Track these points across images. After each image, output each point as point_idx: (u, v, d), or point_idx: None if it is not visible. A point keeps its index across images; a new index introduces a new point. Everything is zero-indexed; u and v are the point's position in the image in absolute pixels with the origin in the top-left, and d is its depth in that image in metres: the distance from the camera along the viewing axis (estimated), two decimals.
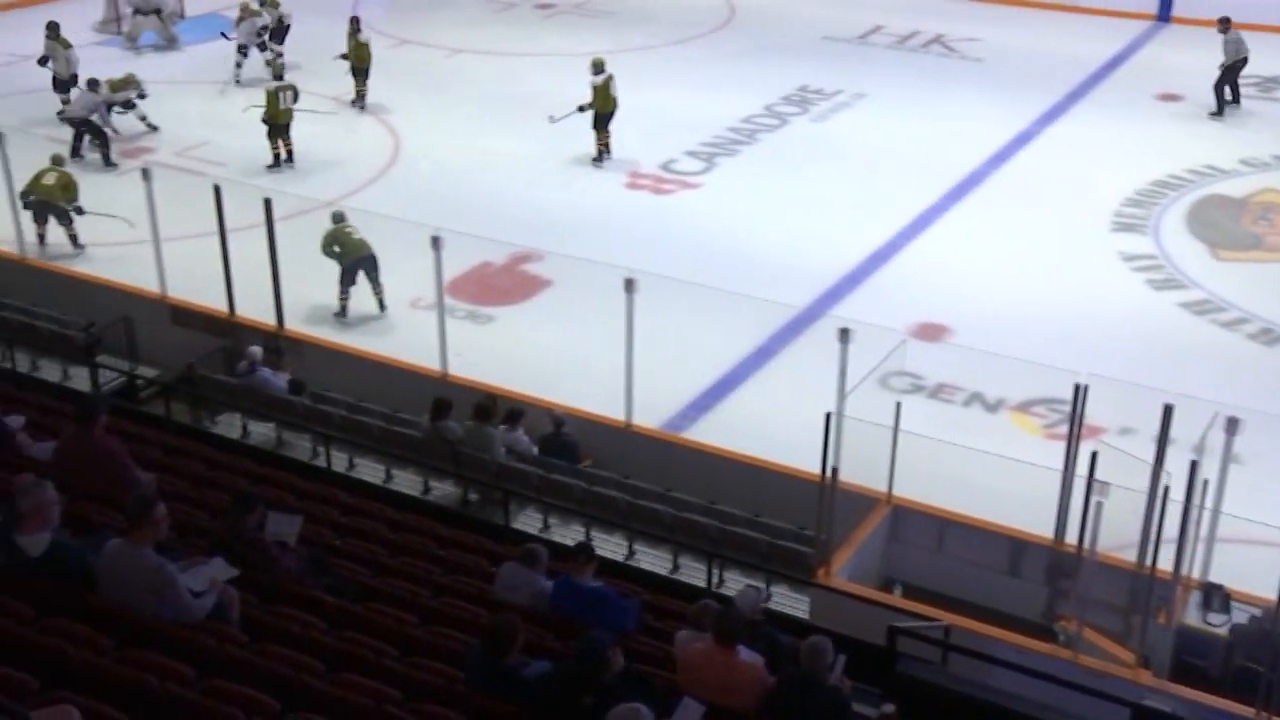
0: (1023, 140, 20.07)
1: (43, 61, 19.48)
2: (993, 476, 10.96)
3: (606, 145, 18.84)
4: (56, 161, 15.74)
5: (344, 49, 20.79)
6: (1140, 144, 19.88)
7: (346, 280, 14.29)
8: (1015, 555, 10.52)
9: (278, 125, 18.25)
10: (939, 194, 17.95)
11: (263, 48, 21.51)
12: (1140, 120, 20.92)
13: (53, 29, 19.47)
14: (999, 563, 10.56)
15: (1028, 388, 13.12)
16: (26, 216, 15.09)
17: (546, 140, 19.49)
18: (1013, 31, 25.54)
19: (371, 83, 20.94)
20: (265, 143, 18.47)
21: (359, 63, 20.66)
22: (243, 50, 21.61)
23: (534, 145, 19.43)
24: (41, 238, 15.53)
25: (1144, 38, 25.45)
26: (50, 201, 15.33)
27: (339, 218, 14.39)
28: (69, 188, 15.48)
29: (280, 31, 22.03)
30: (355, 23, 20.88)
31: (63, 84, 19.40)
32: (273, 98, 18.05)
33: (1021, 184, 18.55)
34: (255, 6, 21.99)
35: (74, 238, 15.63)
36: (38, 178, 15.30)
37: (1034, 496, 10.45)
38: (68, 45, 19.44)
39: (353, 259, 14.24)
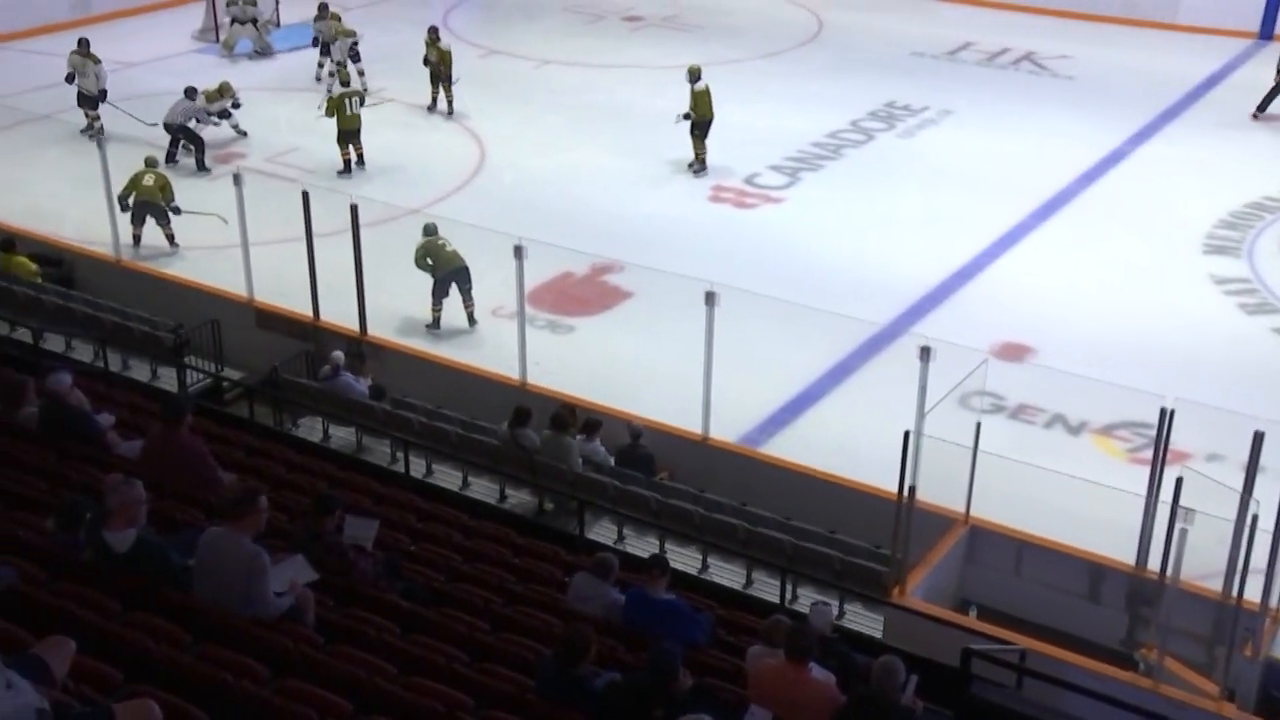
0: (1114, 159, 19.77)
1: (70, 79, 19.32)
2: (1074, 500, 10.80)
3: (703, 157, 18.86)
4: (151, 164, 16.16)
5: (426, 56, 20.98)
6: (1236, 165, 19.49)
7: (439, 293, 14.39)
8: (1095, 581, 10.35)
9: (346, 131, 18.55)
10: (1026, 212, 17.73)
11: (356, 59, 21.75)
12: (1236, 141, 20.52)
13: (83, 45, 19.44)
14: (1078, 588, 10.40)
15: (1112, 411, 12.90)
16: (122, 218, 15.42)
17: (630, 152, 19.60)
18: (1106, 49, 25.18)
19: (459, 91, 21.15)
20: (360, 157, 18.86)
21: (441, 69, 20.85)
22: (340, 66, 21.85)
23: (618, 157, 19.52)
24: (137, 238, 15.92)
25: (1243, 56, 24.94)
26: (150, 202, 15.77)
27: (431, 230, 14.50)
28: (166, 188, 15.93)
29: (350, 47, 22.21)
30: (434, 31, 21.13)
31: (90, 99, 19.23)
32: (339, 104, 18.37)
33: (1111, 204, 18.27)
34: (348, 27, 22.19)
35: (170, 237, 16.02)
36: (136, 180, 15.71)
37: (1116, 521, 10.28)
38: (97, 61, 19.36)
39: (445, 271, 14.33)
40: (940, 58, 24.71)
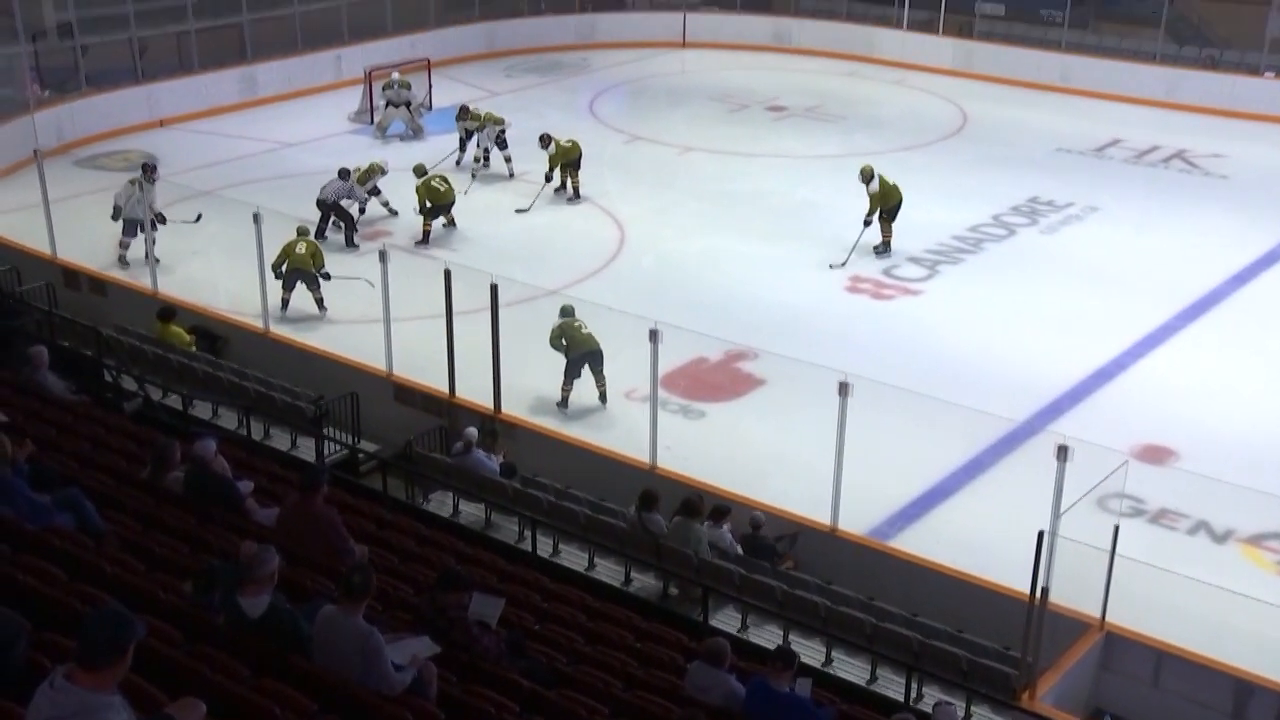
0: (1268, 261, 19.24)
1: (115, 214, 17.99)
2: (1218, 610, 10.43)
3: (889, 240, 19.13)
4: (303, 233, 16.91)
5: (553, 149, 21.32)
6: None
7: (571, 373, 14.56)
8: (1241, 697, 9.93)
9: (439, 206, 19.31)
10: (1172, 312, 17.32)
11: (503, 145, 22.32)
12: None
13: (147, 171, 18.13)
14: (1222, 703, 9.99)
15: (1261, 520, 12.44)
16: (272, 290, 15.92)
17: (769, 240, 19.70)
18: (1262, 148, 24.66)
19: (603, 175, 21.56)
20: (441, 222, 19.59)
21: (566, 158, 21.18)
22: (486, 154, 22.50)
23: (757, 244, 19.62)
24: (286, 302, 16.57)
25: None
26: (301, 269, 16.46)
27: (568, 311, 14.71)
28: (317, 255, 16.62)
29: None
30: (545, 139, 21.33)
31: (132, 226, 17.73)
32: (430, 187, 19.23)
33: (1263, 306, 17.76)
34: (496, 115, 22.78)
35: (319, 300, 16.66)
36: (289, 248, 16.44)
37: (1264, 636, 9.92)
38: (153, 181, 18.07)
39: (579, 353, 14.51)
40: (1087, 154, 24.43)
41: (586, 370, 14.60)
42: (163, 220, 17.18)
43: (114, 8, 25.16)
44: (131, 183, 17.96)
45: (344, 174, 19.43)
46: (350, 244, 19.03)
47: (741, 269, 18.72)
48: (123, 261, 17.75)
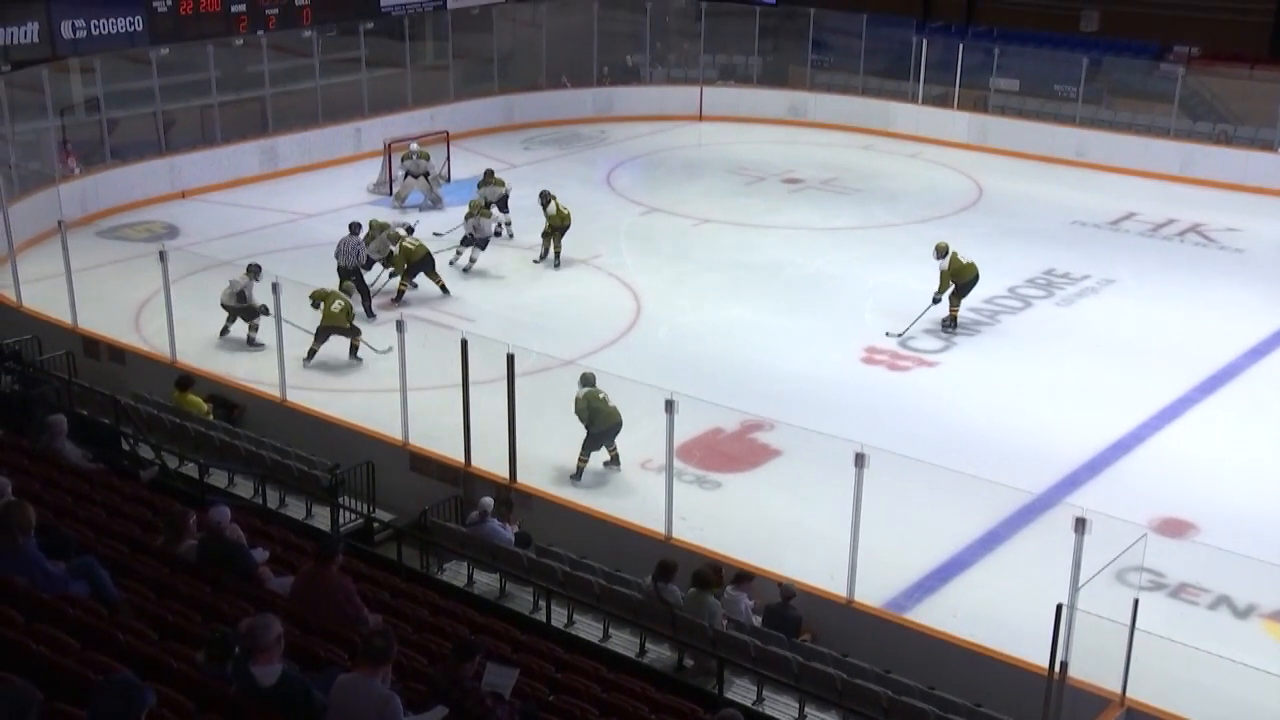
0: None
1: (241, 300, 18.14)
2: (1241, 687, 10.32)
3: (955, 315, 19.17)
4: (346, 291, 17.82)
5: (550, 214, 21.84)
6: None
7: (591, 446, 14.54)
8: None
9: (414, 265, 19.73)
10: (1189, 385, 17.28)
11: (504, 209, 23.03)
12: None
13: (252, 272, 18.13)
14: None
15: None
16: (290, 359, 15.93)
17: (786, 311, 19.76)
18: (1276, 223, 24.78)
19: (620, 247, 21.78)
20: (441, 286, 20.01)
21: (559, 224, 21.70)
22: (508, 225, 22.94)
23: (773, 316, 19.68)
24: (312, 353, 17.20)
25: None
26: (335, 326, 17.21)
27: (588, 380, 14.69)
28: (349, 312, 17.41)
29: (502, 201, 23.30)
30: (545, 195, 21.94)
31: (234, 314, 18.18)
32: (403, 248, 19.72)
33: None
34: (500, 179, 23.27)
35: (355, 348, 17.46)
36: (326, 303, 17.19)
37: None
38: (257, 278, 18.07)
39: (602, 428, 14.49)
40: (1102, 227, 24.50)
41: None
42: (266, 312, 17.06)
43: (140, 82, 25.54)
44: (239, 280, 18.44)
45: (354, 228, 19.56)
46: (369, 314, 19.13)
47: (757, 340, 18.76)
48: (225, 334, 18.31)
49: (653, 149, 29.91)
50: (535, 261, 21.77)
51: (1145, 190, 26.71)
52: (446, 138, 26.90)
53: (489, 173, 23.59)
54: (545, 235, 21.79)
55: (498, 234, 22.34)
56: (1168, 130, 28.84)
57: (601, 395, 14.57)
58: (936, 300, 19.00)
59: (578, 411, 14.51)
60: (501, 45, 32.46)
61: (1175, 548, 13.23)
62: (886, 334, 18.78)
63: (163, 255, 16.00)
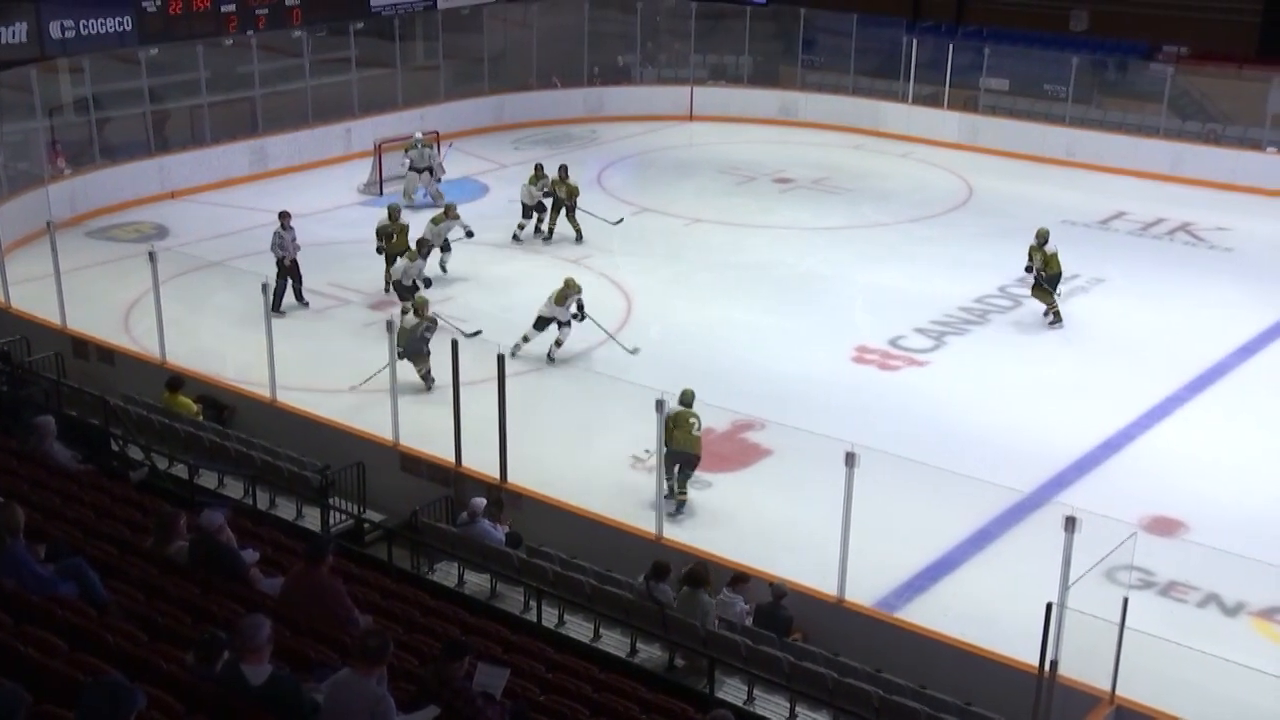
0: (1274, 334, 19.26)
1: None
2: (1230, 685, 10.33)
3: (1056, 309, 19.46)
4: (421, 305, 16.85)
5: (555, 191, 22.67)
6: None
7: (669, 466, 13.97)
8: None
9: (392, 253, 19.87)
10: (1179, 384, 17.32)
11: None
12: None
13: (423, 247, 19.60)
14: None
15: (1272, 593, 12.37)
16: (282, 360, 15.83)
17: (777, 311, 19.77)
18: (1265, 222, 24.78)
19: (611, 246, 21.84)
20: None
21: (569, 202, 22.56)
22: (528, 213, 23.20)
23: (764, 315, 19.69)
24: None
25: None
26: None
27: (686, 400, 14.13)
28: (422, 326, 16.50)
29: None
30: (564, 170, 23.02)
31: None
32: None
33: (1270, 378, 17.75)
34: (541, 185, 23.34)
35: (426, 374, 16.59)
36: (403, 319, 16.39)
37: (1277, 712, 9.76)
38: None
39: (673, 449, 13.85)
40: (1092, 226, 24.54)
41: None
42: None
43: (129, 83, 25.49)
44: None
45: (284, 219, 19.45)
46: (300, 299, 19.14)
47: (748, 339, 18.77)
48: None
49: (644, 149, 29.90)
50: (537, 233, 22.69)
51: (1135, 190, 26.75)
52: (437, 138, 26.86)
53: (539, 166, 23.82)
54: (553, 209, 22.52)
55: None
56: (1157, 130, 28.90)
57: (692, 420, 14.05)
58: (1028, 270, 19.57)
59: (667, 423, 13.98)
60: (492, 45, 32.43)
61: (1165, 546, 13.26)
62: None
63: (152, 256, 15.96)
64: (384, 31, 29.96)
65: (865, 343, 18.65)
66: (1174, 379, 17.46)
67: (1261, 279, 21.53)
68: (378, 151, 26.00)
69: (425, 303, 16.67)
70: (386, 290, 19.87)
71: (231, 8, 26.96)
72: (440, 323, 17.07)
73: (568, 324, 17.75)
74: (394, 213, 20.51)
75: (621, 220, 23.09)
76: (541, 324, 17.66)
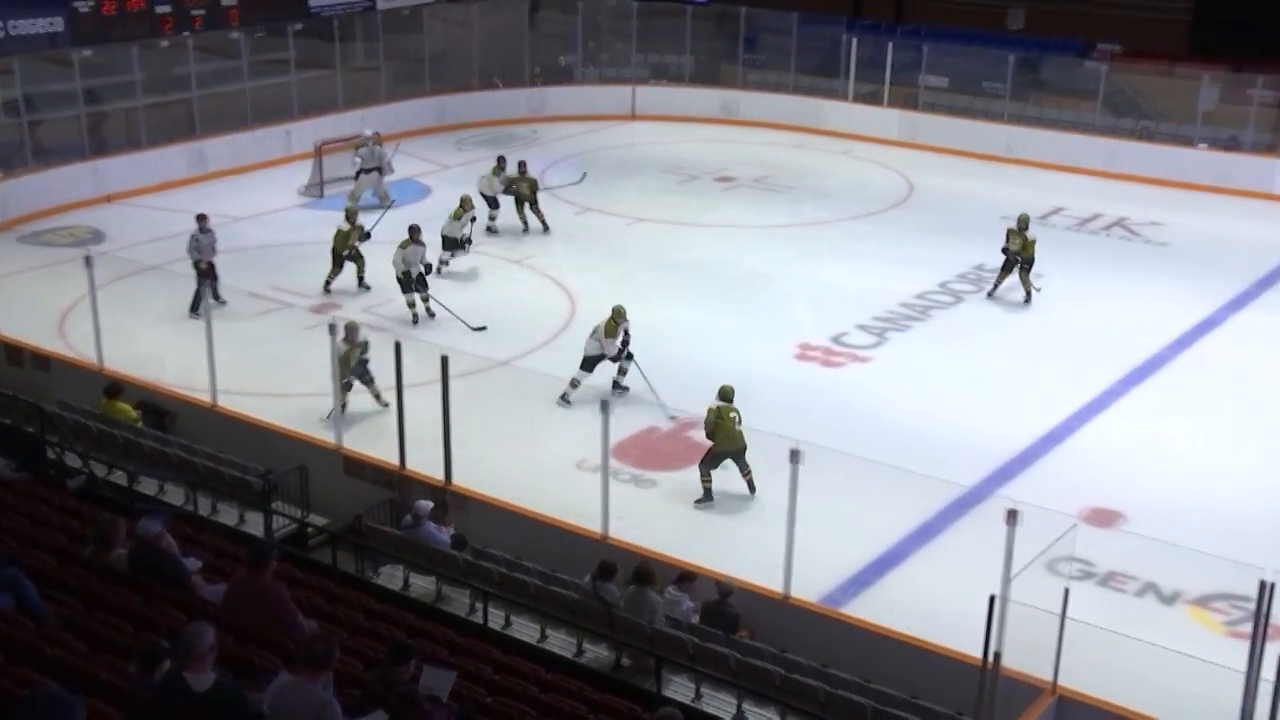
0: (1208, 326, 19.58)
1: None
2: (1168, 673, 10.50)
3: (1030, 290, 20.43)
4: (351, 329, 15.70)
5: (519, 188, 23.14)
6: None
7: (711, 464, 14.14)
8: None
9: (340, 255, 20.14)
10: (1116, 377, 17.56)
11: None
12: None
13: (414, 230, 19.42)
14: None
15: (1208, 581, 12.56)
16: (220, 365, 15.67)
17: (720, 310, 19.82)
18: (1200, 217, 25.16)
19: (554, 247, 22.11)
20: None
21: (531, 196, 23.12)
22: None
23: (707, 314, 19.74)
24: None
25: None
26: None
27: (726, 395, 14.30)
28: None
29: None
30: (523, 165, 23.72)
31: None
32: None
33: (1205, 371, 18.04)
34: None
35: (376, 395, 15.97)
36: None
37: (1214, 698, 9.91)
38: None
39: (724, 449, 14.08)
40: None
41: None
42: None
43: (63, 84, 25.13)
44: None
45: (201, 220, 19.31)
46: (194, 310, 18.68)
47: (692, 338, 18.81)
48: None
49: (586, 149, 29.88)
50: (544, 231, 23.37)
51: (1072, 185, 27.08)
52: (378, 140, 26.67)
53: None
54: (517, 205, 23.10)
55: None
56: (1093, 126, 29.30)
57: (733, 415, 14.17)
58: (1005, 250, 20.43)
59: (706, 423, 14.20)
60: (433, 46, 32.28)
61: (1104, 537, 13.44)
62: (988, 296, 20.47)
63: (88, 260, 15.75)
64: (323, 33, 29.72)
65: (808, 340, 18.75)
66: (1112, 372, 17.70)
67: (1195, 273, 21.87)
68: (318, 153, 25.81)
69: (357, 327, 15.94)
70: (325, 291, 19.96)
71: (167, 8, 26.61)
72: (439, 315, 18.36)
73: (628, 357, 16.68)
74: (350, 215, 20.53)
75: (584, 176, 24.04)
76: (590, 364, 16.51)
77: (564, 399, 16.29)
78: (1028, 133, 29.45)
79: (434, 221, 21.88)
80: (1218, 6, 31.94)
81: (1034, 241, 20.35)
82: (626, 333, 16.68)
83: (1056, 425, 16.18)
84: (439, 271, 20.62)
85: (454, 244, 20.93)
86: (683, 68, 33.92)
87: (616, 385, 16.53)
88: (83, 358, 16.66)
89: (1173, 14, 32.51)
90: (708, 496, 14.22)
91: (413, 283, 19.05)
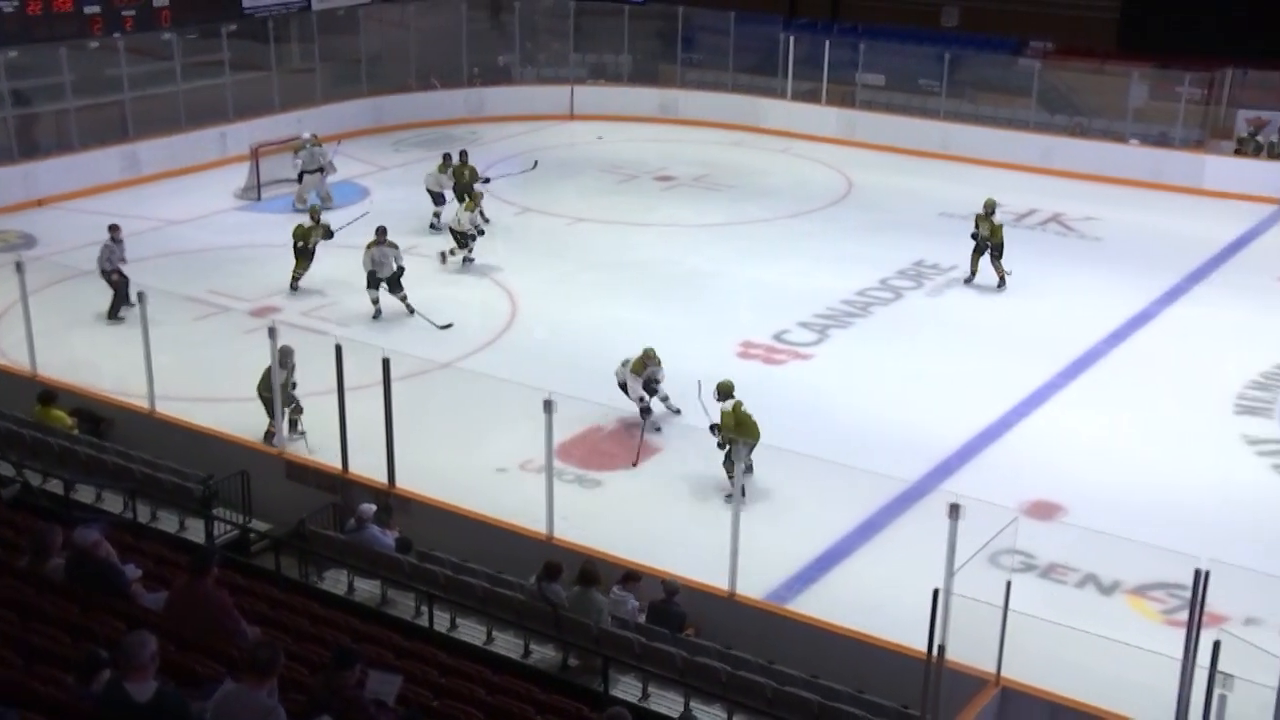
0: (1142, 320, 19.87)
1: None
2: (1108, 662, 10.61)
3: (1003, 275, 20.92)
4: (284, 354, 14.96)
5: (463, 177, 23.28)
6: (1265, 327, 19.57)
7: (736, 458, 13.84)
8: None
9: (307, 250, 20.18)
10: (1054, 371, 17.77)
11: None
12: (1265, 304, 20.63)
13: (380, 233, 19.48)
14: None
15: (1145, 571, 12.74)
16: (157, 371, 15.48)
17: (661, 309, 19.84)
18: (1133, 212, 25.51)
19: (495, 248, 21.99)
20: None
21: (472, 181, 23.34)
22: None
23: (648, 313, 19.74)
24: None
25: (1268, 222, 25.25)
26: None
27: (729, 391, 14.30)
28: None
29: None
30: (465, 155, 24.06)
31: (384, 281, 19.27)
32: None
33: (1140, 364, 18.30)
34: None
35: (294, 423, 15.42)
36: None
37: (1152, 685, 10.05)
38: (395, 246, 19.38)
39: (742, 442, 13.74)
40: (968, 218, 24.79)
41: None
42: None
43: None
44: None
45: (114, 230, 19.07)
46: (124, 307, 18.58)
47: (634, 338, 18.62)
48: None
49: (525, 149, 29.77)
50: (433, 229, 23.25)
51: (1008, 181, 27.30)
52: (316, 141, 26.46)
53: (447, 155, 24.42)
54: (458, 196, 23.00)
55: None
56: (1028, 123, 29.64)
57: (746, 409, 14.17)
58: (974, 237, 20.97)
59: (725, 426, 14.05)
60: (369, 47, 32.08)
61: (1045, 530, 13.59)
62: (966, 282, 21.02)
63: (19, 266, 15.48)
64: (258, 34, 29.42)
65: (750, 338, 18.82)
66: (1049, 366, 17.91)
67: (1129, 267, 22.17)
68: (254, 156, 25.54)
69: (290, 351, 15.24)
70: (293, 289, 20.11)
71: (96, 9, 26.23)
72: (416, 315, 18.83)
73: (660, 396, 16.20)
74: (314, 214, 20.49)
75: (536, 164, 24.77)
76: (625, 389, 16.04)
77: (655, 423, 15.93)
78: (963, 129, 29.75)
79: (407, 221, 21.96)
80: (1145, 6, 32.44)
81: (1001, 226, 20.78)
82: (654, 379, 16.11)
83: (996, 420, 16.34)
84: (464, 261, 21.44)
85: (466, 237, 21.38)
86: (621, 67, 33.95)
87: (668, 407, 16.28)
88: (15, 364, 16.38)
89: (1101, 12, 32.97)
90: (739, 495, 13.57)
91: (380, 281, 19.03)
